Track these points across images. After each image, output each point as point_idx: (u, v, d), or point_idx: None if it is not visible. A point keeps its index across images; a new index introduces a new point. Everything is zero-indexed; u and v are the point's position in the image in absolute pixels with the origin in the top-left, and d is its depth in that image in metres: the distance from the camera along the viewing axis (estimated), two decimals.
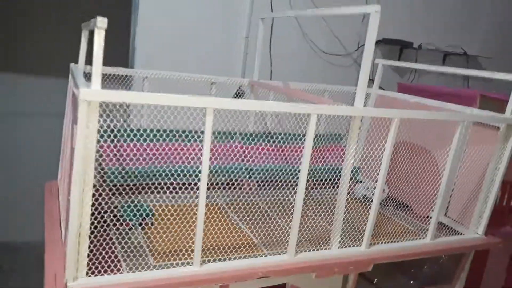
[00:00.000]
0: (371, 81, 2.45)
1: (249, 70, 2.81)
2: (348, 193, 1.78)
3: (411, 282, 2.04)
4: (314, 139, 1.33)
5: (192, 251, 1.28)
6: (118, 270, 1.23)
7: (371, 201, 1.58)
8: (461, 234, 1.84)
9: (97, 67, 1.02)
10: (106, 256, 1.25)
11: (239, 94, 2.73)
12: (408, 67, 2.15)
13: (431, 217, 1.73)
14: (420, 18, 3.35)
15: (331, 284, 1.56)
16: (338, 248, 1.52)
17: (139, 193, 1.78)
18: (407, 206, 2.05)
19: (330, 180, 1.61)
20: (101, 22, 0.96)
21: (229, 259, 1.37)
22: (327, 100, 1.55)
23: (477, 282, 2.33)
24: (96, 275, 1.16)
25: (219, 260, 1.35)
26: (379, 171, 1.51)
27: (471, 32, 3.59)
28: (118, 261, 1.28)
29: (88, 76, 1.77)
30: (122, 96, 1.05)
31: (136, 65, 2.60)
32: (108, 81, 1.96)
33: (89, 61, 1.76)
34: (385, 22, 3.18)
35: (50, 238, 1.38)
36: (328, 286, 1.56)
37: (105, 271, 1.19)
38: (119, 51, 2.28)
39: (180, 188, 1.57)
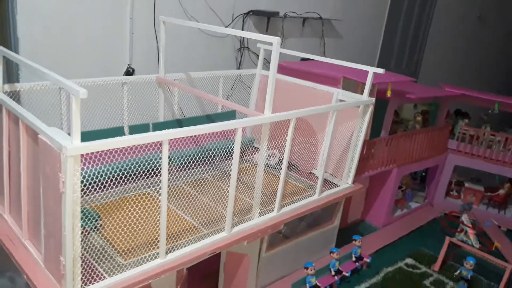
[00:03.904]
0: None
1: (136, 50, 2.94)
2: (249, 160, 2.24)
3: (303, 223, 2.63)
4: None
5: (149, 244, 1.65)
6: (99, 278, 1.49)
7: (269, 167, 2.06)
8: (336, 185, 2.46)
9: (77, 126, 1.21)
10: (86, 267, 1.49)
11: (129, 73, 2.93)
12: (290, 54, 2.60)
13: (313, 173, 2.28)
14: None
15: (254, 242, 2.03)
16: (259, 217, 1.98)
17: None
18: (294, 166, 2.59)
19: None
20: (83, 94, 1.16)
21: (180, 245, 1.71)
22: (223, 102, 1.92)
23: (346, 213, 3.07)
24: (88, 286, 1.43)
25: (172, 248, 1.69)
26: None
27: None
28: (95, 267, 1.54)
29: (9, 94, 1.82)
30: (100, 145, 1.28)
31: (22, 54, 2.54)
32: None
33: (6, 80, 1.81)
34: None
35: (23, 259, 1.55)
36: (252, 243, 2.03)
37: (90, 282, 1.45)
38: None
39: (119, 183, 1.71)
